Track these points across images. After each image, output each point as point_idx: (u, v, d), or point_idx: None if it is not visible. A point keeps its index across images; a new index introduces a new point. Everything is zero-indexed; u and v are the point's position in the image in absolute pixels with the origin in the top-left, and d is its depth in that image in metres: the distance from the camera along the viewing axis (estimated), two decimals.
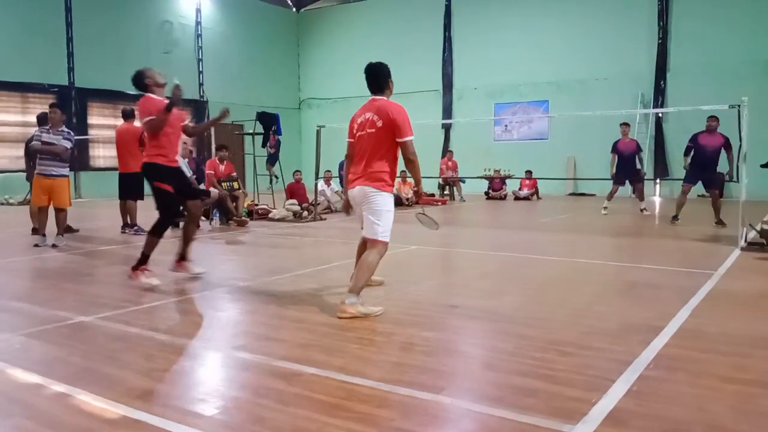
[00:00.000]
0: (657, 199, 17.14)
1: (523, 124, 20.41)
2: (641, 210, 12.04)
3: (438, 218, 7.01)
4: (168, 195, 5.32)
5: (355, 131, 4.69)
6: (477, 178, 17.83)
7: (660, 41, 17.98)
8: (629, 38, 18.38)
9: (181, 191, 5.44)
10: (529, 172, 17.43)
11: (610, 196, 12.21)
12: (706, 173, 9.92)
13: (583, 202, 16.49)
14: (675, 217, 10.19)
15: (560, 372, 3.09)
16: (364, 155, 4.58)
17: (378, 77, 4.67)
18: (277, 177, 13.79)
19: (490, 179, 18.06)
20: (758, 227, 7.46)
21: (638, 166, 12.27)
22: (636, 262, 6.71)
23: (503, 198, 17.56)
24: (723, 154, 9.70)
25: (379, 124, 4.53)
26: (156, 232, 5.33)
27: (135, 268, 5.37)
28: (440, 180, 17.53)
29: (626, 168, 11.91)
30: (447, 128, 21.33)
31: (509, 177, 18.01)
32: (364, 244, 4.66)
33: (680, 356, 3.35)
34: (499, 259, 7.06)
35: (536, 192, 17.42)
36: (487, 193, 17.96)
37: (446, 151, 19.47)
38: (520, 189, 17.59)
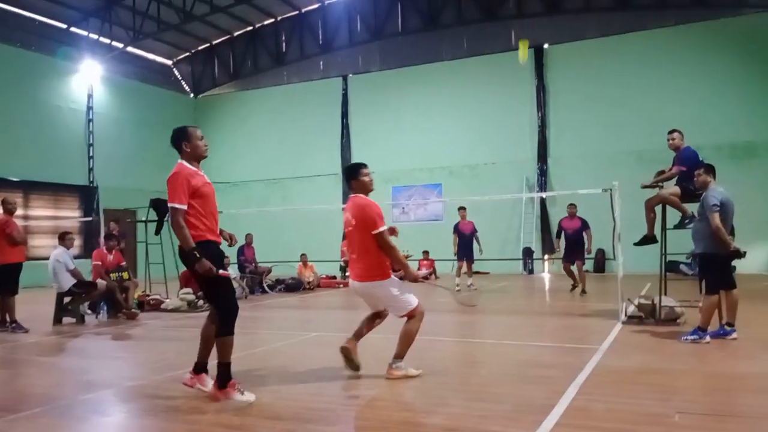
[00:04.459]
0: (546, 275, 18.04)
1: (419, 206, 21.14)
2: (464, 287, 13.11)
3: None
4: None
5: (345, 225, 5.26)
6: None
7: (539, 130, 19.54)
8: (514, 127, 19.87)
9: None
10: (426, 252, 17.89)
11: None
12: (572, 251, 11.62)
13: (478, 280, 17.03)
14: (574, 287, 11.51)
15: None
16: (354, 250, 5.18)
17: (348, 177, 5.44)
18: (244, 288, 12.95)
19: None
20: (636, 302, 8.03)
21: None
22: (527, 340, 6.97)
23: (402, 279, 17.77)
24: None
25: (353, 222, 5.13)
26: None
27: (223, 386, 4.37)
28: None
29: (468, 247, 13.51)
30: None
31: (408, 257, 18.33)
32: (373, 315, 5.39)
33: None
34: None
35: (434, 271, 17.85)
36: None
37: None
38: (418, 269, 17.96)
